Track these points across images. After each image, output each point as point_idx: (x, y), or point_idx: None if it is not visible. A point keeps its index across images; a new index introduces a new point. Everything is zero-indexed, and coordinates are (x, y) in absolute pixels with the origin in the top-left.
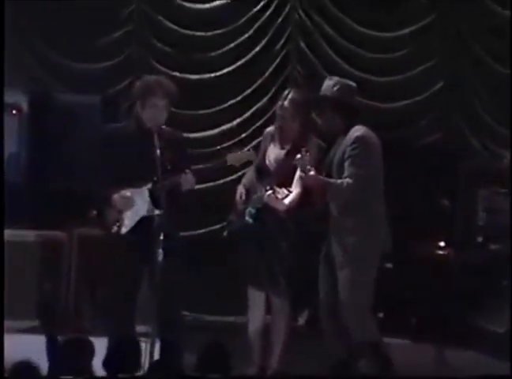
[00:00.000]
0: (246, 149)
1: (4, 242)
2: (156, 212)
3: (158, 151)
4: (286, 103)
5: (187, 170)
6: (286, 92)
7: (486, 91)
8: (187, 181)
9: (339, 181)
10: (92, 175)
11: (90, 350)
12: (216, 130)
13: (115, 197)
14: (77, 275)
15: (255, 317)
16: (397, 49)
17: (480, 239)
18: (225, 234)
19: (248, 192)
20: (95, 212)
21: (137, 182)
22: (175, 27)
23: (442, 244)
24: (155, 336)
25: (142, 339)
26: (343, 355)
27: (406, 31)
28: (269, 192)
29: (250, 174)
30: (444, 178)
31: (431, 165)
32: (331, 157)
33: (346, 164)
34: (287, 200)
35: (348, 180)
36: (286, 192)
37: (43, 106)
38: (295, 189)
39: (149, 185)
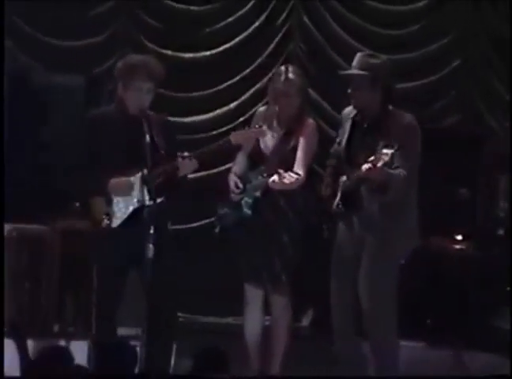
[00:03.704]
0: (253, 126)
1: (4, 243)
2: (149, 202)
3: (148, 138)
4: (287, 81)
5: (186, 153)
6: (283, 69)
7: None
8: (186, 165)
9: (396, 172)
10: (76, 165)
11: (67, 358)
12: (211, 114)
13: (112, 182)
14: (59, 274)
15: (253, 318)
16: (410, 24)
17: (500, 232)
18: (217, 230)
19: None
20: (77, 204)
21: (127, 172)
22: (168, 0)
23: (459, 237)
24: (145, 339)
25: (132, 342)
26: (351, 358)
27: (420, 3)
28: (275, 177)
29: (240, 160)
30: (463, 164)
31: (447, 150)
32: (365, 143)
33: (398, 154)
34: (295, 183)
35: (402, 171)
36: (294, 175)
37: (19, 87)
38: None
39: (143, 173)
